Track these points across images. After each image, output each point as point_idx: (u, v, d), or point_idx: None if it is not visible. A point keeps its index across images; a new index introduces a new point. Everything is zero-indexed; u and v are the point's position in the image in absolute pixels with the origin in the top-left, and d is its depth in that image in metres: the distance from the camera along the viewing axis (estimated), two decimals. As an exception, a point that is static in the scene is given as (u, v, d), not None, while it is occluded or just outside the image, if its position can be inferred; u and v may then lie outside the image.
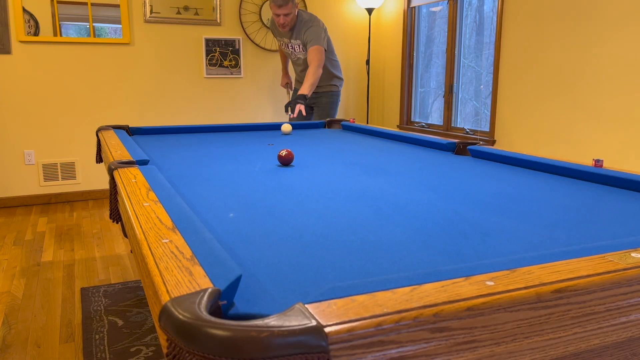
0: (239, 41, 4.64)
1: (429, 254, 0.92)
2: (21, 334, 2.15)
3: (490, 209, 1.25)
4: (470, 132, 4.03)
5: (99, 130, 2.63)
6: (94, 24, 4.21)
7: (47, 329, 2.21)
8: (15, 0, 3.95)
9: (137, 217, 1.01)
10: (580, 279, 0.69)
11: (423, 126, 4.58)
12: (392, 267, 0.85)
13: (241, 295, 0.71)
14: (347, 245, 0.97)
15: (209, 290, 0.63)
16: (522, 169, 1.79)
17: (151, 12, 4.34)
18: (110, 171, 1.56)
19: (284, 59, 4.14)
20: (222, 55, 4.61)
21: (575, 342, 0.70)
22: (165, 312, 0.58)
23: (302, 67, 3.78)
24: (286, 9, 3.44)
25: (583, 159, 3.11)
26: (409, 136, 2.50)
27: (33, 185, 4.26)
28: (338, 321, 0.57)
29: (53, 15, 4.07)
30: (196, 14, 4.48)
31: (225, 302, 0.65)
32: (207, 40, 4.54)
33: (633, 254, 0.79)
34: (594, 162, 1.61)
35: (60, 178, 4.33)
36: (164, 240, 0.86)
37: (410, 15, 4.65)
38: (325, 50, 3.54)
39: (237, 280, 0.71)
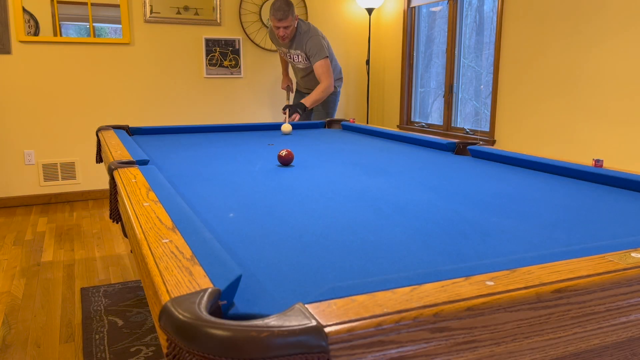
0: (239, 41, 4.64)
1: (429, 254, 0.92)
2: (21, 334, 2.15)
3: (490, 209, 1.25)
4: (470, 132, 4.03)
5: (99, 130, 2.63)
6: (94, 24, 4.21)
7: (47, 329, 2.21)
8: (15, 0, 3.95)
9: (137, 217, 1.01)
10: (580, 279, 0.69)
11: (423, 126, 4.58)
12: (392, 267, 0.85)
13: (241, 295, 0.71)
14: (347, 245, 0.97)
15: (209, 290, 0.63)
16: (522, 169, 1.79)
17: (151, 12, 4.34)
18: (110, 171, 1.56)
19: (284, 62, 4.16)
20: (222, 55, 4.61)
21: (575, 342, 0.70)
22: (165, 312, 0.58)
23: (303, 74, 3.82)
24: (286, 22, 3.45)
25: (583, 159, 3.11)
26: (409, 136, 2.50)
27: (33, 185, 4.26)
28: (338, 321, 0.57)
29: (53, 15, 4.07)
30: (196, 14, 4.48)
31: (225, 302, 0.65)
32: (207, 40, 4.54)
33: (633, 254, 0.79)
34: (594, 162, 1.61)
35: (60, 178, 4.33)
36: (164, 240, 0.86)
37: (410, 15, 4.65)
38: (329, 60, 3.61)
39: (237, 280, 0.71)
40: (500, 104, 3.70)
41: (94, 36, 4.23)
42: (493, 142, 3.77)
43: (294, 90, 4.14)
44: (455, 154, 2.16)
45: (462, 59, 4.18)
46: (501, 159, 1.93)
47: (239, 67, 4.68)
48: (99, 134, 2.49)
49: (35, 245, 3.28)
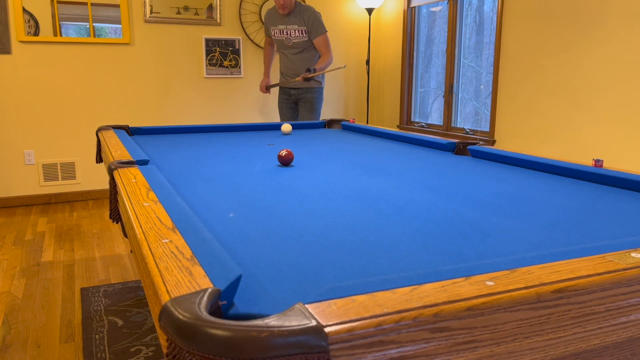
0: (239, 41, 4.64)
1: (429, 254, 0.92)
2: (21, 334, 2.15)
3: (490, 209, 1.25)
4: (470, 132, 4.03)
5: (99, 130, 2.63)
6: (94, 24, 4.21)
7: (47, 329, 2.21)
8: (15, 0, 3.94)
9: (137, 217, 1.01)
10: (580, 279, 0.69)
11: (423, 126, 4.58)
12: (392, 267, 0.85)
13: (241, 295, 0.71)
14: (347, 245, 0.97)
15: (209, 290, 0.63)
16: (522, 169, 1.79)
17: (151, 12, 4.34)
18: (110, 171, 1.56)
19: (268, 59, 4.20)
20: (222, 55, 4.61)
21: (575, 342, 0.70)
22: (165, 312, 0.58)
23: (296, 51, 3.88)
24: None
25: (583, 159, 3.11)
26: (409, 136, 2.50)
27: (33, 185, 4.26)
28: (338, 321, 0.57)
29: (53, 15, 4.07)
30: (196, 14, 4.48)
31: (225, 302, 0.65)
32: (207, 40, 4.54)
33: (633, 254, 0.79)
34: (593, 162, 1.61)
35: (60, 178, 4.33)
36: (164, 240, 0.86)
37: (410, 15, 4.65)
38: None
39: (237, 280, 0.71)
40: (500, 104, 3.70)
41: (94, 36, 4.23)
42: (493, 142, 3.77)
43: (279, 79, 4.11)
44: (455, 154, 2.16)
45: (462, 59, 4.18)
46: (501, 159, 1.93)
47: (239, 67, 4.68)
48: (99, 134, 2.49)
49: (35, 245, 3.28)
